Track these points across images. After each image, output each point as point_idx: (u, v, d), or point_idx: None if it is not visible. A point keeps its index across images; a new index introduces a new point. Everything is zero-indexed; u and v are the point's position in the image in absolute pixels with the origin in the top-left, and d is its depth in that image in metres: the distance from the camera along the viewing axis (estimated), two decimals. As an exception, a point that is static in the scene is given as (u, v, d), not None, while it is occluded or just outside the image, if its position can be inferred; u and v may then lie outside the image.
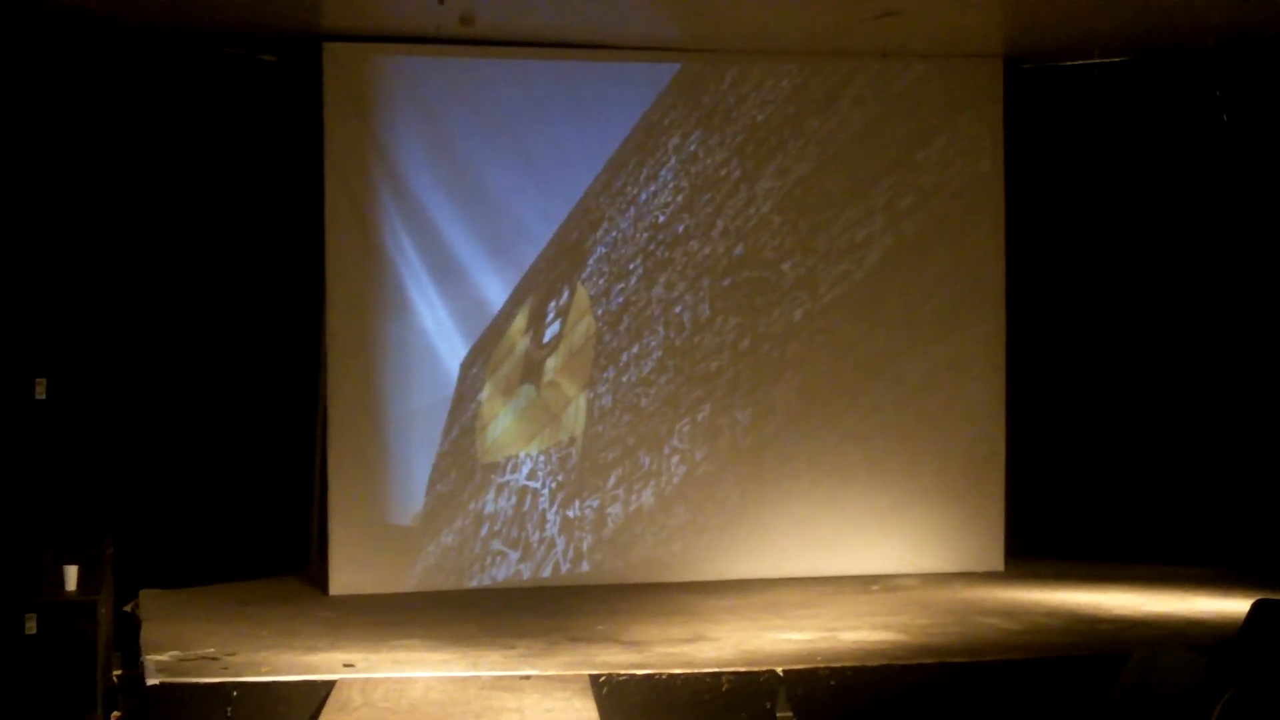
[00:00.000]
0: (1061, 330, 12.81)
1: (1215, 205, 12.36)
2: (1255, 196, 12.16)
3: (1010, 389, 12.40)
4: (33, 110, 10.81)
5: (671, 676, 8.68)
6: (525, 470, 11.82)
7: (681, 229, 12.09)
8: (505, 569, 11.72)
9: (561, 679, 8.65)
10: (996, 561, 12.30)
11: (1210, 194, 12.36)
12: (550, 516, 11.80)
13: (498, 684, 8.58)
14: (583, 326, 12.00)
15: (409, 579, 11.60)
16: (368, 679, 8.59)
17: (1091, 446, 12.71)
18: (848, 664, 8.91)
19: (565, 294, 12.02)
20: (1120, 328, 12.70)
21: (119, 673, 9.27)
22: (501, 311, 11.88)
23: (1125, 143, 12.56)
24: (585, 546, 11.84)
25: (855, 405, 12.19)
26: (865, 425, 12.20)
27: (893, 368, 12.23)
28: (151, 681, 8.39)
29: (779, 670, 8.73)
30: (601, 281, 12.02)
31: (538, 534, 11.77)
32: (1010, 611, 10.59)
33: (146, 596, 10.70)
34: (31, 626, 8.36)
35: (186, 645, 9.23)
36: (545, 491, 11.81)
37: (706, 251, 12.08)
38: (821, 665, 8.84)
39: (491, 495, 11.76)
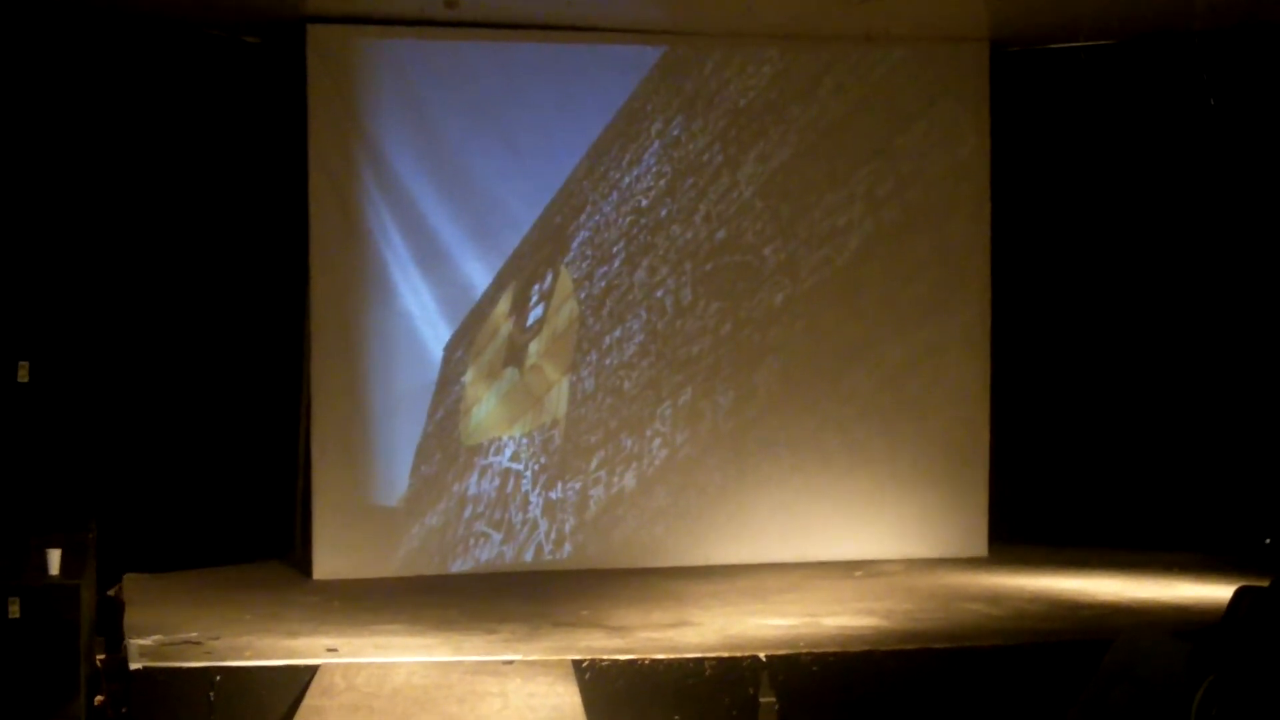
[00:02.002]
0: (1047, 316, 12.82)
1: (1201, 190, 12.35)
2: (1242, 181, 12.17)
3: (995, 375, 12.41)
4: (13, 92, 10.77)
5: (655, 662, 8.67)
6: (508, 453, 11.82)
7: (664, 213, 12.09)
8: (488, 550, 11.73)
9: (545, 664, 8.64)
10: (980, 547, 12.32)
11: (1196, 178, 12.36)
12: (533, 498, 11.82)
13: (481, 669, 8.57)
14: (565, 310, 12.00)
15: (393, 562, 11.61)
16: (351, 664, 8.57)
17: (1077, 433, 12.73)
18: (830, 649, 8.90)
19: (548, 278, 12.02)
20: (1106, 314, 12.70)
21: (102, 657, 9.23)
22: (485, 295, 11.88)
23: (1111, 126, 12.55)
24: (568, 528, 11.86)
25: (835, 390, 12.22)
26: (845, 410, 12.23)
27: (873, 353, 12.26)
28: (135, 666, 8.37)
29: (762, 655, 8.73)
30: (584, 265, 12.02)
31: (521, 515, 11.79)
32: (993, 597, 10.61)
33: (130, 581, 10.68)
34: (14, 611, 8.35)
35: (170, 630, 9.19)
36: (528, 474, 11.82)
37: (689, 236, 12.09)
38: (804, 651, 8.83)
39: (475, 478, 11.77)
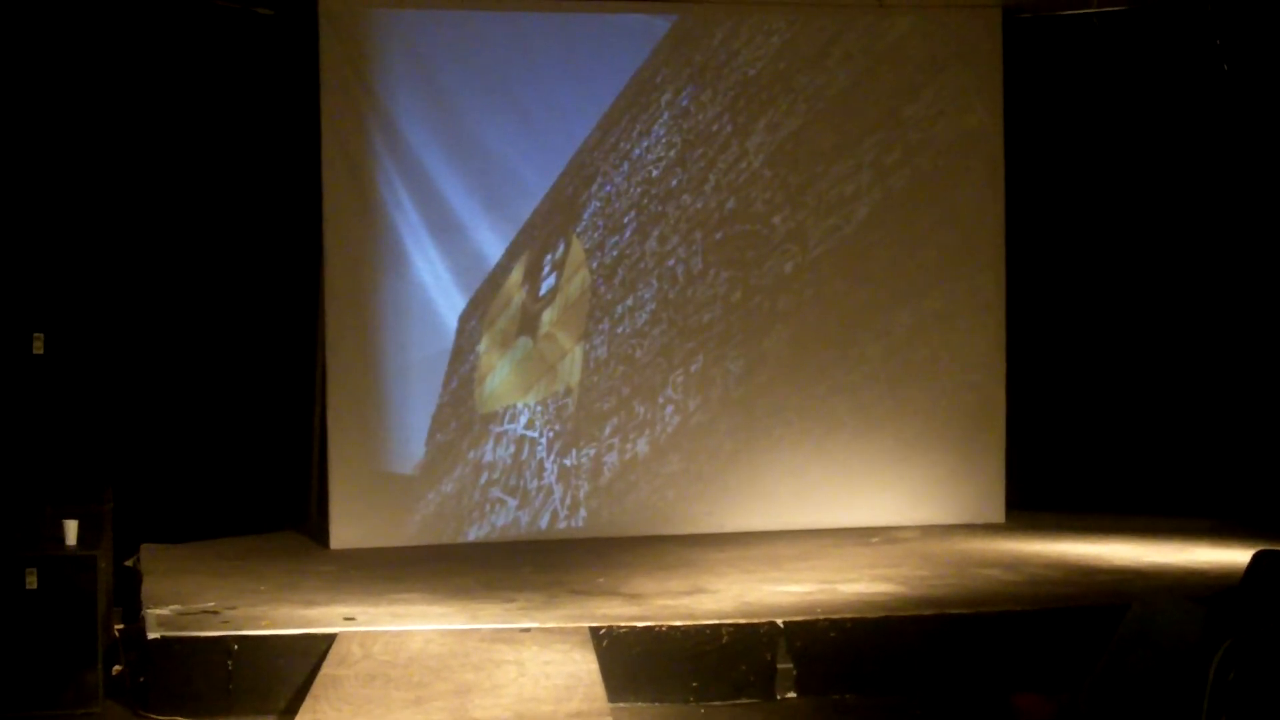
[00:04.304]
0: (1063, 283, 12.80)
1: (1215, 155, 12.33)
2: (1256, 147, 12.14)
3: (1011, 341, 12.40)
4: (28, 67, 10.76)
5: (671, 629, 8.66)
6: (523, 420, 11.85)
7: (674, 183, 12.10)
8: (504, 516, 11.76)
9: (561, 631, 8.64)
10: (997, 513, 12.34)
11: (1210, 144, 12.33)
12: (548, 465, 11.84)
13: (497, 636, 8.57)
14: (578, 279, 12.01)
15: (409, 530, 11.65)
16: (367, 632, 8.57)
17: (1094, 399, 12.73)
18: (848, 615, 8.89)
19: (560, 248, 12.03)
20: (1121, 278, 12.69)
21: (120, 627, 9.27)
22: (498, 265, 11.90)
23: (1124, 93, 12.51)
24: (582, 494, 11.89)
25: (845, 357, 12.23)
26: (855, 377, 12.24)
27: (882, 320, 12.26)
28: (152, 635, 8.36)
29: (779, 622, 8.73)
30: (596, 235, 12.03)
31: (536, 482, 11.81)
32: (1010, 563, 10.59)
33: (147, 551, 10.70)
34: (32, 581, 8.36)
35: (187, 599, 9.21)
36: (543, 441, 11.85)
37: (699, 205, 12.10)
38: (821, 617, 8.82)
39: (490, 445, 11.80)
